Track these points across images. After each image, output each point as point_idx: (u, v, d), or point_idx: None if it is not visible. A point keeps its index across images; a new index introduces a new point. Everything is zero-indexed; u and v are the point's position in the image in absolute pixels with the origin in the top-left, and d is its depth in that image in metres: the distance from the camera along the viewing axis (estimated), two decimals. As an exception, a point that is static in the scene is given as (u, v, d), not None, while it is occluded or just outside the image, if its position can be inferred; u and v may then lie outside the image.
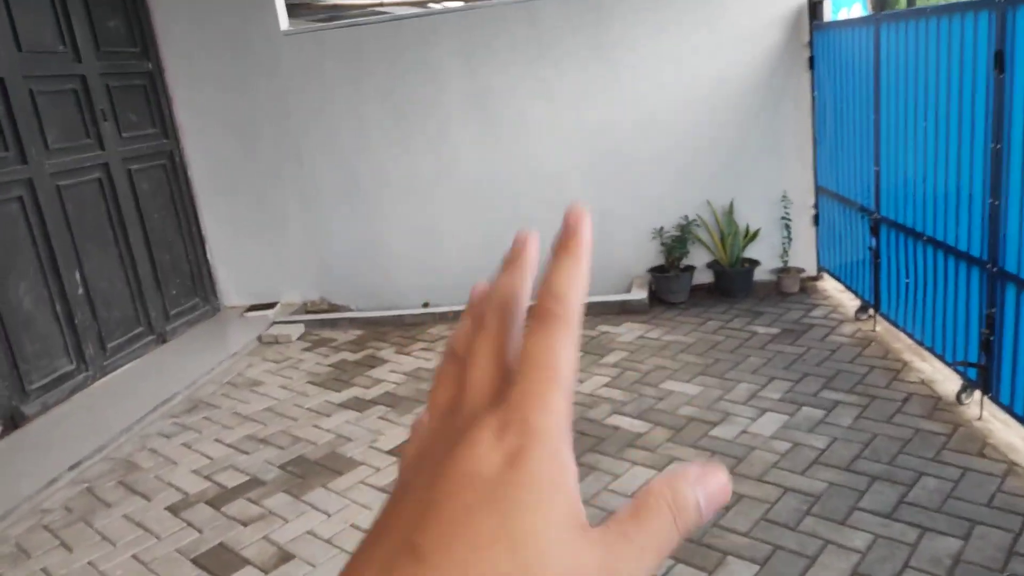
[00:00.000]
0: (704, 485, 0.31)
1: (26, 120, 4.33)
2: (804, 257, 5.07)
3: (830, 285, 5.00)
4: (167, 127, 5.51)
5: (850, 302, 4.63)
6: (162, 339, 5.28)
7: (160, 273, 5.34)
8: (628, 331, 4.56)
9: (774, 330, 4.33)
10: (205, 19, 5.36)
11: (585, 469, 3.05)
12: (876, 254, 3.98)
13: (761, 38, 4.77)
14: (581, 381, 3.90)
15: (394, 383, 4.20)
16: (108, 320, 4.84)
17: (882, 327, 4.16)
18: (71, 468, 3.57)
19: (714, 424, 3.31)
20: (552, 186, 5.20)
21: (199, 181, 5.73)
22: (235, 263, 5.88)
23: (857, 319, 4.34)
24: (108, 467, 3.59)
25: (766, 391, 3.57)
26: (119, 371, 4.82)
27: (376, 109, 5.31)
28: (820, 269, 5.08)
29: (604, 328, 4.65)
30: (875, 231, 3.96)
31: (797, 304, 4.74)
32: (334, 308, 5.80)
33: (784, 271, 4.99)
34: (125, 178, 5.08)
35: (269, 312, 5.66)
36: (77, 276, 4.61)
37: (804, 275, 5.01)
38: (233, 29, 5.34)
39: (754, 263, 5.00)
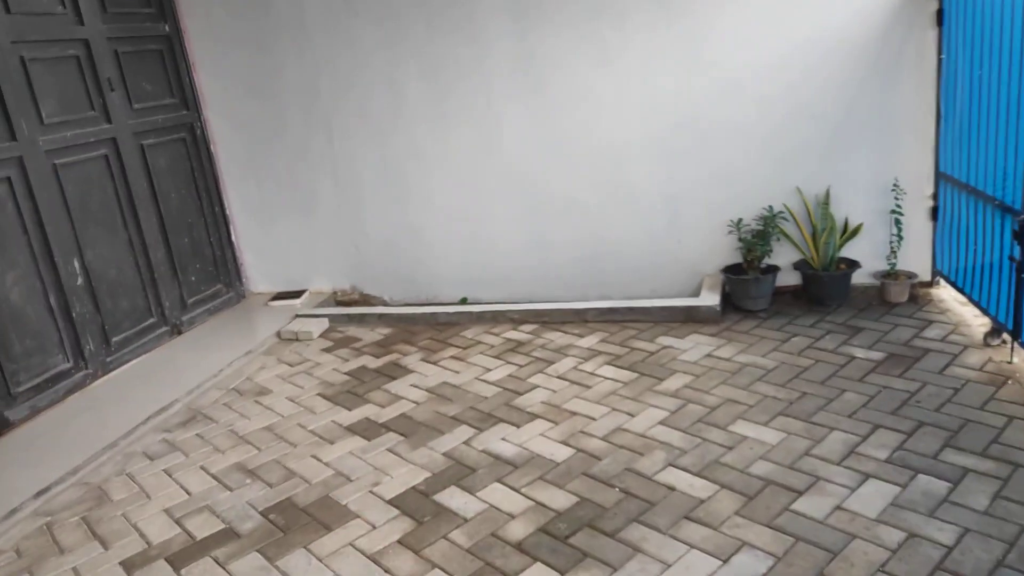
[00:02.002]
0: None
1: (15, 91, 3.85)
2: (916, 259, 4.18)
3: (948, 295, 4.10)
4: (187, 97, 4.99)
5: (975, 319, 3.74)
6: (177, 330, 4.83)
7: (177, 258, 4.87)
8: (694, 346, 3.80)
9: (877, 354, 3.50)
10: (224, -26, 4.79)
11: (625, 550, 2.37)
12: (1021, 267, 3.09)
13: (875, -12, 3.86)
14: (632, 415, 3.20)
15: (413, 402, 3.59)
16: (114, 312, 4.39)
17: (1022, 359, 3.28)
18: (38, 495, 3.12)
19: (798, 493, 2.56)
20: (611, 166, 4.44)
21: (223, 157, 5.22)
22: (262, 247, 5.38)
23: (987, 345, 3.47)
24: (78, 495, 3.13)
25: (868, 446, 2.79)
26: (125, 367, 4.39)
27: (411, 76, 4.64)
28: (936, 274, 4.18)
29: (666, 341, 3.91)
30: (1021, 237, 3.07)
31: (906, 319, 3.87)
32: (365, 299, 5.23)
33: (891, 275, 4.12)
34: (137, 154, 4.59)
35: (296, 301, 5.14)
36: (76, 264, 4.16)
37: (915, 281, 4.12)
38: (254, -15, 4.75)
39: (853, 265, 4.13)
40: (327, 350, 4.42)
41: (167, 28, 4.85)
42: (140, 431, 3.62)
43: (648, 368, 3.62)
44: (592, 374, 3.64)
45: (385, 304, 5.18)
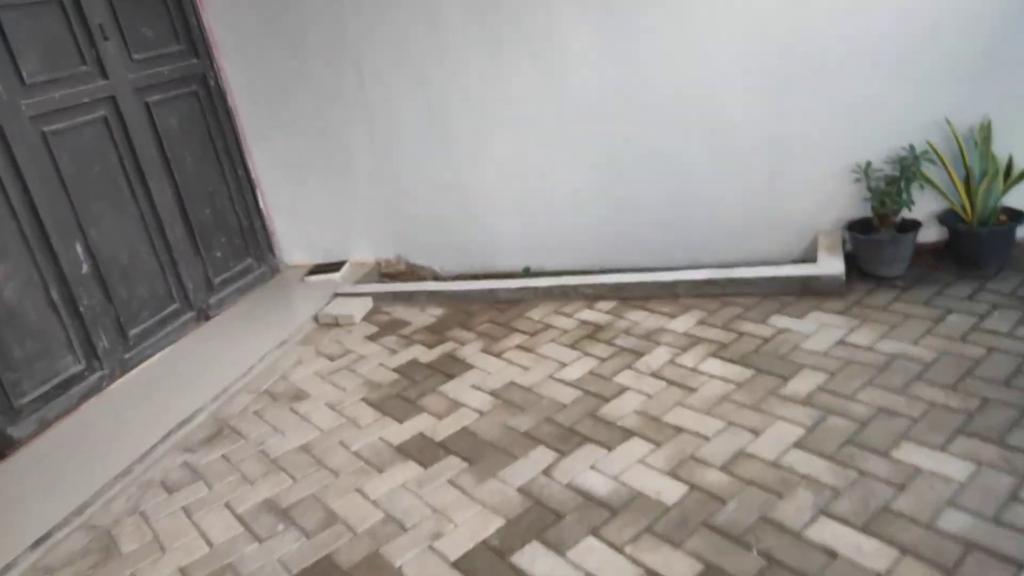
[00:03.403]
0: None
1: (-16, 48, 3.21)
2: (1102, 206, 3.30)
3: None
4: (195, 42, 4.29)
5: None
6: (204, 315, 4.27)
7: (199, 232, 4.27)
8: (819, 329, 3.05)
9: (1071, 339, 2.71)
10: None
11: (785, 661, 1.71)
12: None
13: None
14: (756, 432, 2.50)
15: (476, 411, 2.96)
16: (129, 300, 3.84)
17: None
18: (36, 544, 2.60)
19: (1018, 567, 1.85)
20: (702, 107, 3.62)
21: (243, 110, 4.54)
22: (295, 213, 4.74)
23: None
24: (83, 544, 2.61)
25: (1101, 485, 2.04)
26: (147, 364, 3.86)
27: (456, 2, 3.84)
28: None
29: (781, 322, 3.16)
30: None
31: (1095, 286, 3.04)
32: (413, 271, 4.57)
33: (1067, 229, 3.26)
34: (142, 113, 3.95)
35: (335, 275, 4.52)
36: (79, 249, 3.59)
37: (1100, 234, 3.26)
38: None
39: (1018, 217, 3.28)
40: (372, 337, 3.80)
41: (166, -39, 4.13)
42: (159, 451, 3.08)
43: (765, 362, 2.89)
44: (694, 371, 2.93)
45: (435, 276, 4.52)
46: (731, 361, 2.94)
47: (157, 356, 3.92)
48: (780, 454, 2.37)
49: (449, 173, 4.25)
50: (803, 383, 2.71)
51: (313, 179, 4.59)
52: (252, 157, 4.62)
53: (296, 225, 4.78)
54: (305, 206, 4.69)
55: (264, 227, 4.75)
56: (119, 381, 3.72)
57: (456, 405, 3.03)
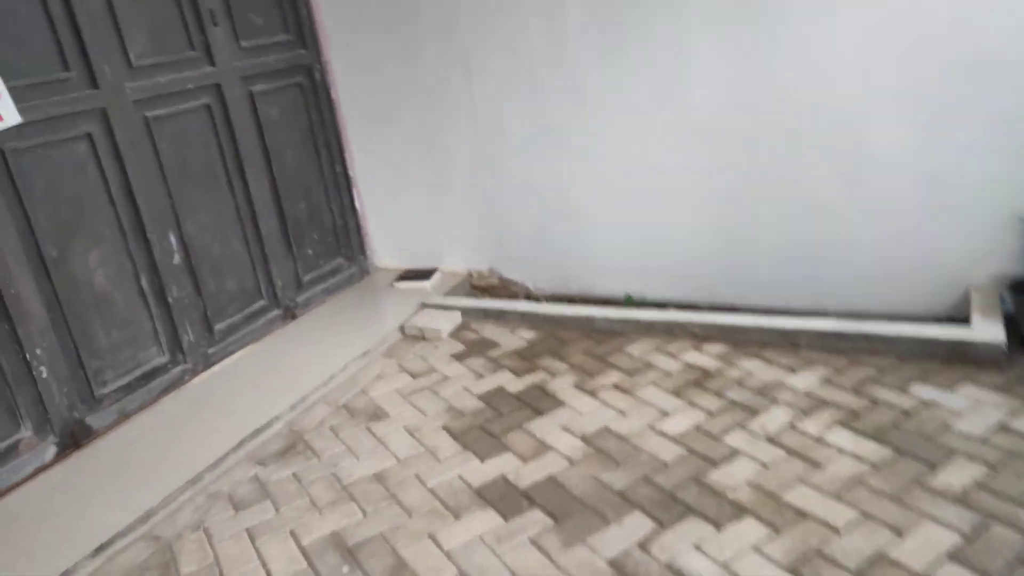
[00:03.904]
0: None
1: (95, 26, 3.15)
2: None
3: None
4: (304, 33, 4.18)
5: None
6: (291, 314, 4.15)
7: (292, 228, 4.15)
8: (973, 407, 2.62)
9: None
10: None
11: None
12: None
13: None
14: (899, 532, 2.12)
15: (565, 457, 2.68)
16: (217, 294, 3.75)
17: None
18: (95, 552, 2.49)
19: None
20: (844, 133, 3.21)
21: (346, 106, 4.40)
22: (389, 215, 4.58)
23: None
24: (143, 557, 2.48)
25: None
26: (229, 360, 3.76)
27: (575, 2, 3.57)
28: None
29: (924, 393, 2.74)
30: None
31: None
32: (505, 285, 4.33)
33: None
34: (245, 103, 3.85)
35: (426, 283, 4.33)
36: (172, 239, 3.51)
37: None
38: None
39: None
40: (458, 357, 3.57)
41: (283, -51, 4.02)
42: (231, 460, 2.94)
43: (907, 441, 2.49)
44: (819, 440, 2.56)
45: (528, 293, 4.27)
46: (864, 435, 2.55)
47: (240, 353, 3.83)
48: (930, 565, 1.99)
49: (553, 185, 3.98)
50: (957, 475, 2.31)
51: (410, 181, 4.42)
52: (351, 154, 4.49)
53: (389, 227, 4.62)
54: (400, 208, 4.52)
55: (358, 227, 4.61)
56: (201, 376, 3.63)
57: (544, 448, 2.76)
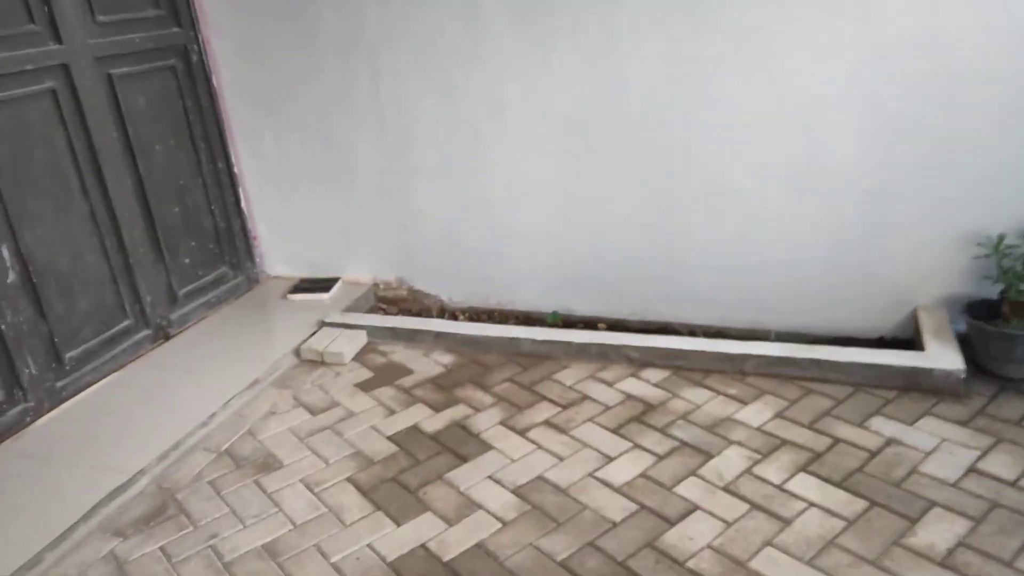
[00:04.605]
0: None
1: None
2: None
3: None
4: (178, 8, 3.56)
5: None
6: (164, 334, 3.55)
7: (163, 235, 3.54)
8: (939, 446, 2.40)
9: None
10: None
11: None
12: None
13: None
14: (886, 607, 1.84)
15: (496, 517, 2.28)
16: (67, 316, 3.11)
17: None
18: None
19: None
20: (793, 140, 2.95)
21: (230, 95, 3.82)
22: (282, 219, 4.03)
23: None
24: None
25: None
26: (85, 393, 3.15)
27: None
28: None
29: (886, 428, 2.51)
30: None
31: None
32: (416, 298, 3.88)
33: None
34: (103, 88, 3.22)
35: (324, 296, 3.82)
36: (4, 254, 2.86)
37: None
38: None
39: None
40: (364, 386, 3.10)
41: (149, -95, 3.39)
42: (80, 532, 2.37)
43: (877, 490, 2.24)
44: (782, 490, 2.27)
45: (443, 306, 3.83)
46: (830, 482, 2.28)
47: (99, 385, 3.21)
48: (926, 650, 1.72)
49: (470, 189, 3.56)
50: (937, 532, 2.06)
51: (307, 180, 3.88)
52: (236, 149, 3.90)
53: (282, 232, 4.06)
54: (294, 210, 3.98)
55: (244, 231, 4.03)
56: (48, 416, 3.00)
57: (470, 505, 2.35)
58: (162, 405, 3.01)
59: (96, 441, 2.81)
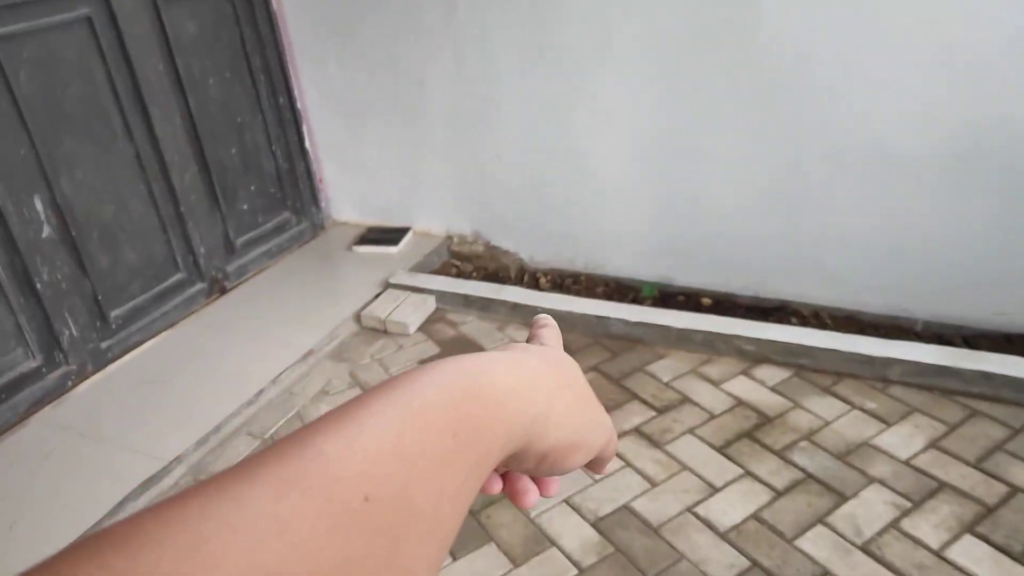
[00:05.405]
0: None
1: None
2: None
3: None
4: (232, -84, 3.11)
5: None
6: (220, 287, 3.27)
7: (218, 179, 3.21)
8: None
9: None
10: None
11: None
12: None
13: None
14: None
15: (570, 560, 1.87)
16: (112, 271, 2.85)
17: None
18: None
19: None
20: (955, 88, 2.27)
21: (293, 23, 3.38)
22: (350, 160, 3.63)
23: None
24: None
25: None
26: (132, 355, 2.91)
27: None
28: None
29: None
30: None
31: None
32: (492, 255, 3.44)
33: None
34: (146, 15, 2.84)
35: (393, 249, 3.44)
36: (38, 205, 2.57)
37: None
38: None
39: None
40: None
41: None
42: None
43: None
44: (940, 557, 1.76)
45: (523, 267, 3.38)
46: (1008, 553, 1.75)
47: (148, 344, 2.96)
48: None
49: (557, 133, 3.04)
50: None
51: (376, 119, 3.44)
52: (299, 82, 3.49)
53: (351, 174, 3.67)
54: (363, 151, 3.56)
55: (308, 172, 3.66)
56: (90, 381, 2.77)
57: (540, 539, 1.95)
58: (209, 375, 2.73)
59: (135, 415, 2.56)
